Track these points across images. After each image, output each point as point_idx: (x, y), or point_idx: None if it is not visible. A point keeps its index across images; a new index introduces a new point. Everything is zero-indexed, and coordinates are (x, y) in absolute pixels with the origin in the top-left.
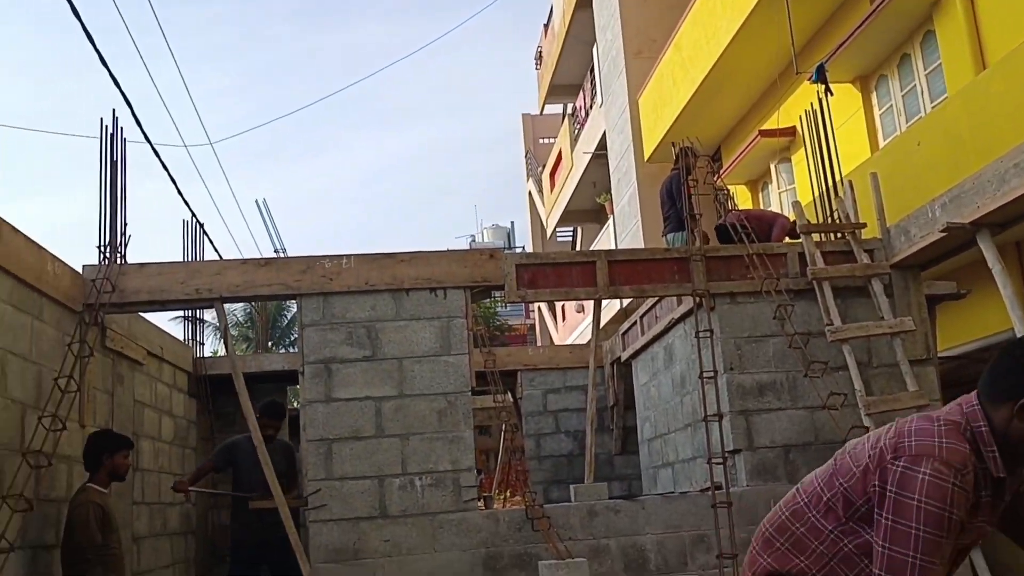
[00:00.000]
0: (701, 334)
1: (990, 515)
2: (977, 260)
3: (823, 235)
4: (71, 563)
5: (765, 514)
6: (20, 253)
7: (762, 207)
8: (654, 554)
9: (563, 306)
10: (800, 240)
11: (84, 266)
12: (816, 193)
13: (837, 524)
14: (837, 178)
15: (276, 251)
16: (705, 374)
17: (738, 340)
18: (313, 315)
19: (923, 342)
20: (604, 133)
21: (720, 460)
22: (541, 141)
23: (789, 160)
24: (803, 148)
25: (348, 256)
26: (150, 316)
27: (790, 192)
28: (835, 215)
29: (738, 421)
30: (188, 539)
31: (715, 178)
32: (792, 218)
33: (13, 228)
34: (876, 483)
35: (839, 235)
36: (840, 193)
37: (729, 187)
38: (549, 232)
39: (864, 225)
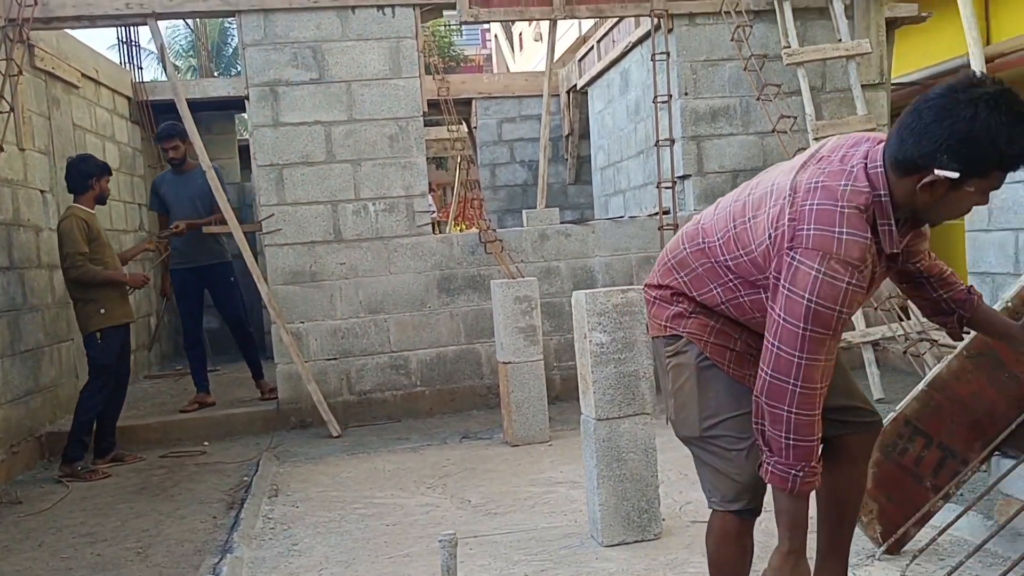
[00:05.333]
0: (657, 57)
1: (879, 280)
2: None
3: None
4: (66, 272)
5: None
6: None
7: None
8: (602, 274)
9: (520, 34)
10: None
11: None
12: None
13: (736, 278)
14: None
15: None
16: (659, 98)
17: (694, 64)
18: (254, 34)
19: (878, 66)
20: None
21: (669, 185)
22: None
23: None
24: None
25: None
26: (81, 36)
27: None
28: None
29: (689, 147)
30: (144, 264)
31: None
32: None
33: None
34: (772, 271)
35: None
36: None
37: None
38: None
39: None
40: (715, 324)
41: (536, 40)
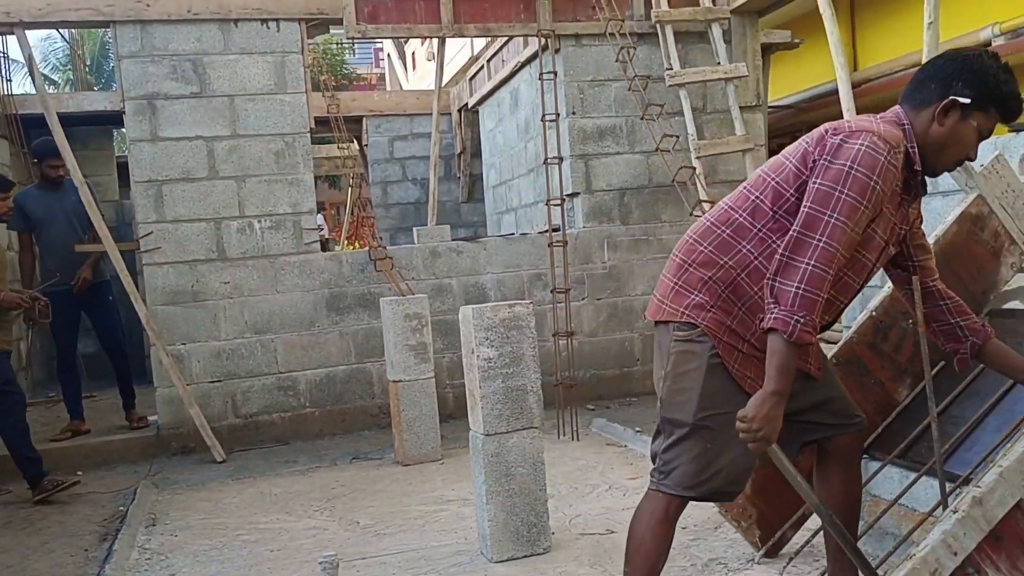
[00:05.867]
0: (545, 76)
1: (897, 212)
2: (812, 11)
3: None
4: None
5: (599, 253)
6: None
7: None
8: (494, 291)
9: (413, 53)
10: None
11: None
12: None
13: (765, 221)
14: None
15: None
16: (547, 117)
17: (581, 84)
18: (131, 46)
19: (754, 89)
20: None
21: (558, 202)
22: None
23: None
24: None
25: None
26: None
27: None
28: None
29: (577, 165)
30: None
31: None
32: None
33: None
34: (816, 154)
35: None
36: None
37: None
38: None
39: None
40: (729, 323)
41: (429, 59)
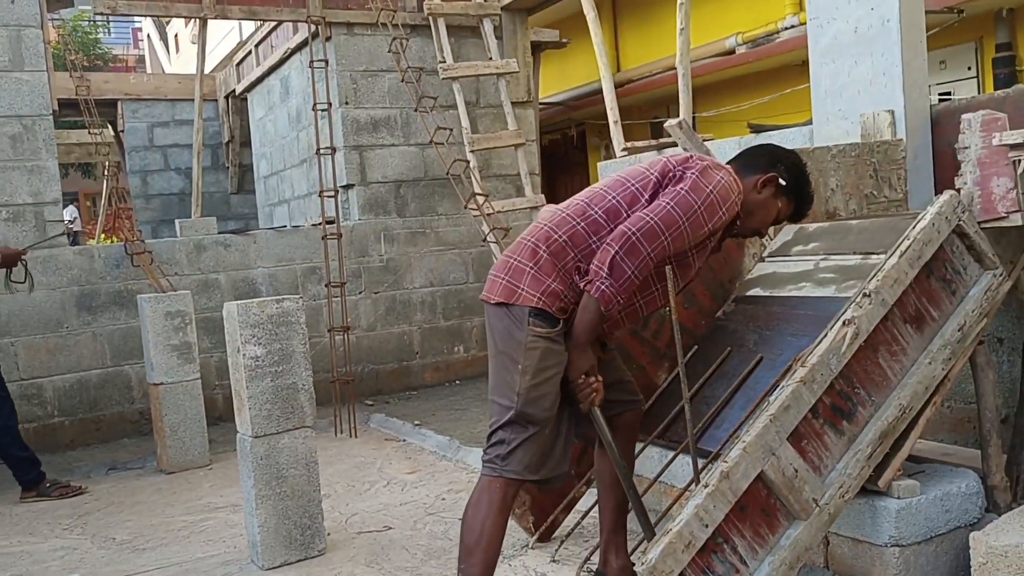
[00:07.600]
0: (316, 64)
1: (704, 254)
2: (578, 12)
3: None
4: None
5: (376, 246)
6: None
7: None
8: (265, 286)
9: (176, 35)
10: None
11: None
12: None
13: (619, 221)
14: None
15: None
16: (319, 106)
17: (354, 73)
18: None
19: (525, 85)
20: None
21: (332, 194)
22: None
23: None
24: None
25: None
26: None
27: None
28: None
29: (352, 156)
30: None
31: None
32: None
33: None
34: (679, 169)
35: None
36: None
37: None
38: None
39: None
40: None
41: (194, 42)
